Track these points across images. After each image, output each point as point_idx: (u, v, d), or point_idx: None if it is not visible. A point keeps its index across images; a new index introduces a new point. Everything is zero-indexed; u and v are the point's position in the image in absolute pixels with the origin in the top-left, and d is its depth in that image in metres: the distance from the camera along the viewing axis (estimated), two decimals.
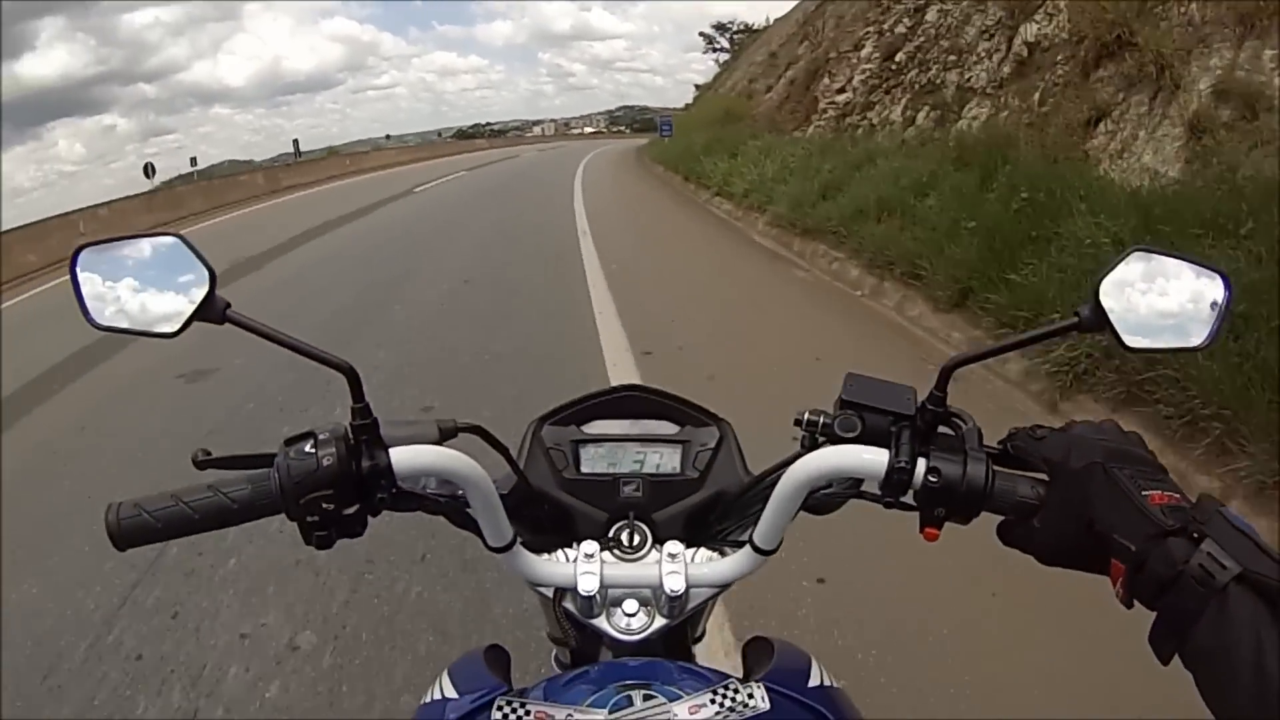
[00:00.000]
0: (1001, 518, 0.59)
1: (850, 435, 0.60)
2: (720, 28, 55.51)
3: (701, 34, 56.14)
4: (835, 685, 0.66)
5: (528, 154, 37.32)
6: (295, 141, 33.93)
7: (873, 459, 0.58)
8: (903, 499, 0.59)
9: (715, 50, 54.61)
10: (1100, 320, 0.55)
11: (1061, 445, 0.57)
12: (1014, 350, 0.61)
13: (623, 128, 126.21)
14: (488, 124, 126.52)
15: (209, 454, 0.59)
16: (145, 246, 0.64)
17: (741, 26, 53.02)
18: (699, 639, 0.76)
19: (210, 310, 0.59)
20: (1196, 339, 0.58)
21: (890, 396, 0.61)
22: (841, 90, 10.91)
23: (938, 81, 8.35)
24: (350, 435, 0.59)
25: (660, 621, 0.67)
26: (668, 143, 21.43)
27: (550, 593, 0.68)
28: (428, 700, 0.65)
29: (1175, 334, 0.59)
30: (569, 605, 0.68)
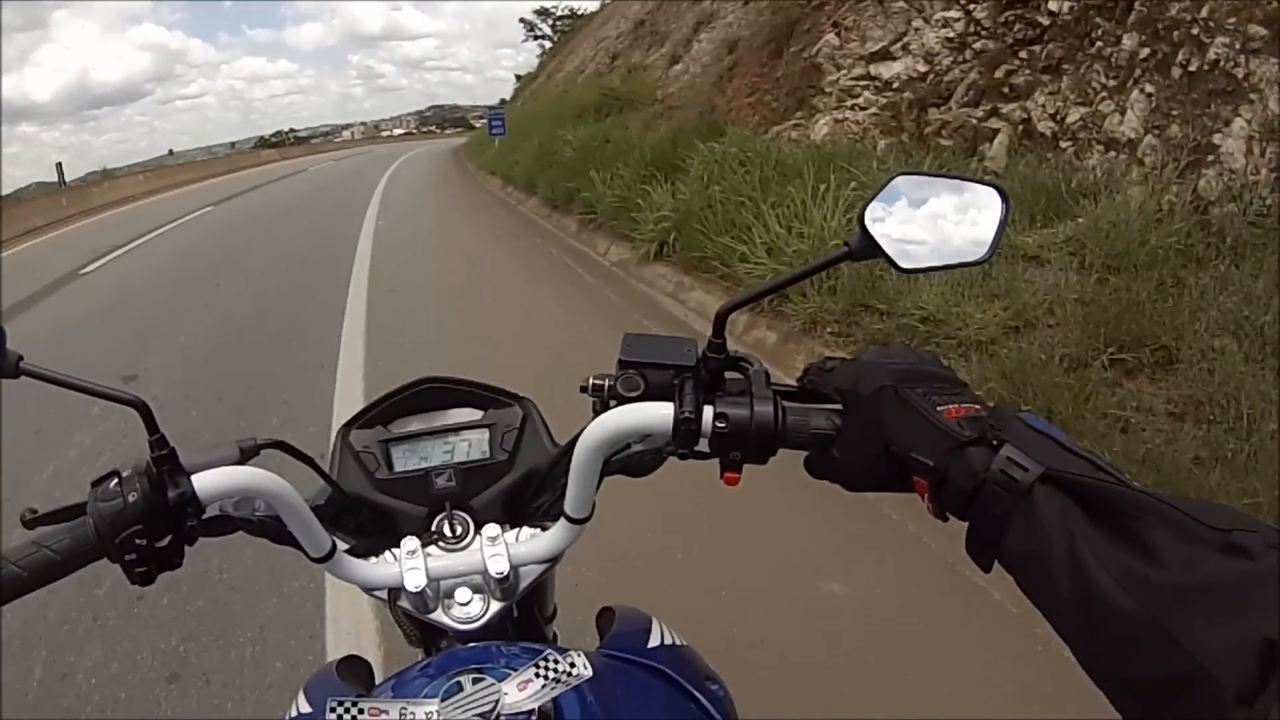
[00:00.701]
0: (804, 453, 0.60)
1: (634, 394, 0.61)
2: (542, 13, 50.64)
3: (522, 20, 51.35)
4: (678, 643, 0.72)
5: (318, 167, 30.23)
6: (58, 166, 26.10)
7: (659, 413, 0.58)
8: (697, 449, 0.59)
9: (537, 38, 49.98)
10: (871, 248, 0.56)
11: (852, 374, 0.58)
12: (785, 288, 0.62)
13: (433, 127, 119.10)
14: (291, 130, 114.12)
15: (35, 512, 0.59)
16: None
17: (567, 11, 48.58)
18: (552, 617, 0.76)
19: (3, 365, 0.58)
20: (975, 253, 0.59)
21: (670, 350, 0.62)
22: (886, 55, 5.90)
23: None
24: (152, 467, 0.58)
25: (496, 605, 0.67)
26: (499, 145, 16.19)
27: (385, 595, 0.68)
28: (289, 718, 0.68)
29: (953, 253, 0.59)
30: (404, 604, 0.67)
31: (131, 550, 0.57)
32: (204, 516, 0.60)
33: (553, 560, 0.69)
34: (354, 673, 0.70)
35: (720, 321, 0.59)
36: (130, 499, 0.57)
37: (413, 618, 0.69)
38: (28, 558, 0.58)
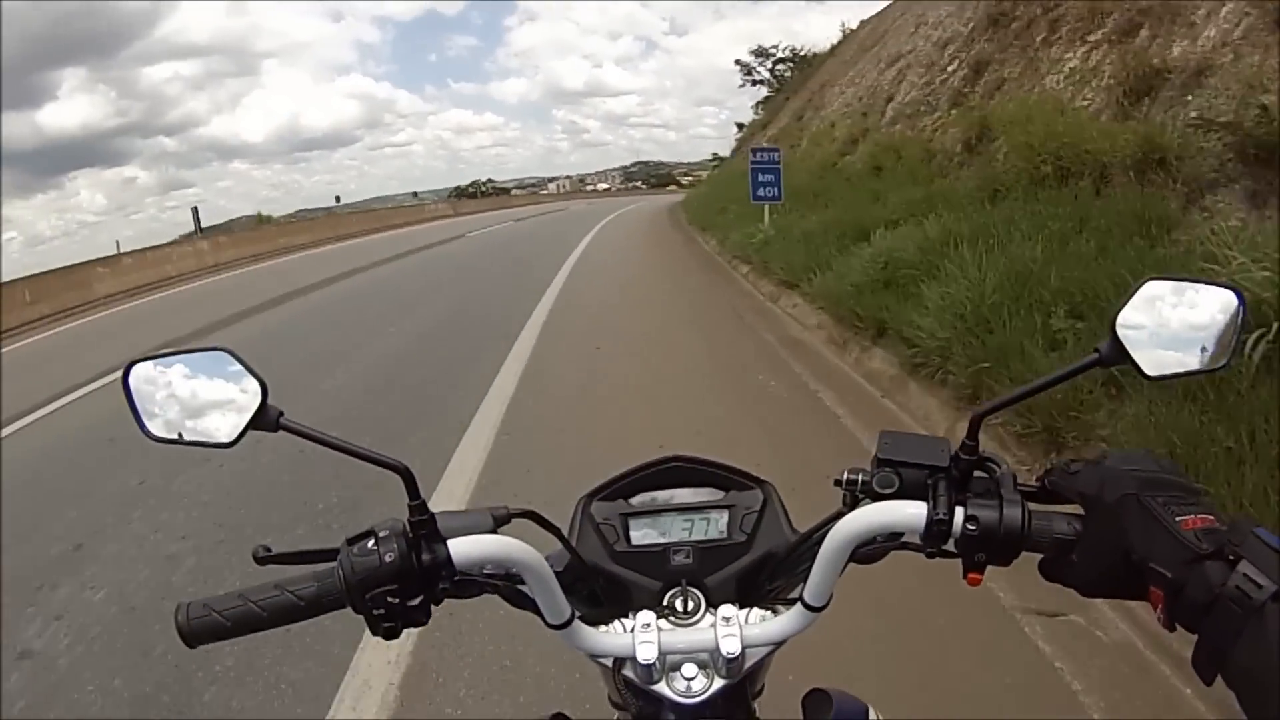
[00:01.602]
0: (1041, 555, 0.59)
1: (889, 491, 0.61)
2: (761, 54, 44.47)
3: (738, 62, 43.65)
4: None
5: (491, 230, 22.98)
6: (194, 210, 23.37)
7: (912, 513, 0.59)
8: (944, 547, 0.60)
9: (755, 82, 43.99)
10: (1120, 354, 0.58)
11: (1095, 478, 0.57)
12: (1040, 392, 0.62)
13: (638, 183, 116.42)
14: (489, 181, 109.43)
15: (269, 550, 0.61)
16: (195, 359, 0.66)
17: (789, 52, 42.39)
18: (758, 694, 0.74)
19: (264, 419, 0.62)
20: (1216, 359, 0.60)
21: (924, 450, 0.62)
22: None
23: None
24: (409, 530, 0.61)
25: (719, 683, 0.67)
26: (772, 220, 9.40)
27: (610, 662, 0.69)
28: None
29: (1195, 357, 0.60)
30: (629, 673, 0.68)
31: (380, 606, 0.59)
32: (455, 579, 0.62)
33: (779, 644, 0.69)
34: None
35: (975, 425, 0.60)
36: (386, 558, 0.59)
37: (634, 687, 0.69)
38: (270, 599, 0.60)
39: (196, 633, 0.60)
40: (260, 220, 27.34)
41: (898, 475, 0.62)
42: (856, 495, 0.63)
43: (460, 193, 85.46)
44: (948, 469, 0.61)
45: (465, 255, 15.00)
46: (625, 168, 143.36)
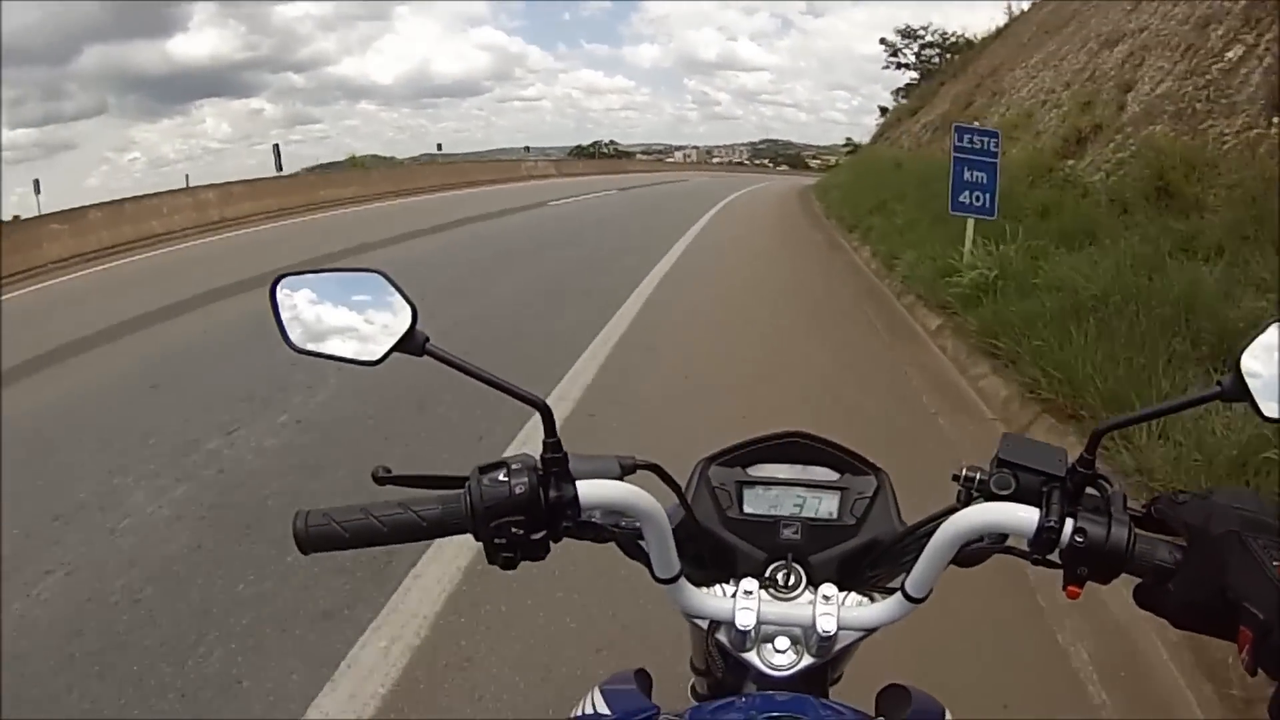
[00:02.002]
0: (1139, 580, 0.60)
1: (1005, 493, 0.63)
2: (908, 34, 39.37)
3: (883, 41, 38.40)
4: None
5: (590, 199, 19.34)
6: (275, 148, 21.14)
7: (1025, 517, 0.60)
8: (1049, 556, 0.61)
9: (900, 66, 39.16)
10: (1241, 390, 0.58)
11: (1201, 512, 0.58)
12: (1160, 417, 0.68)
13: (765, 161, 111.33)
14: (611, 143, 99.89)
15: (389, 471, 0.63)
16: (346, 278, 0.68)
17: (938, 37, 37.36)
18: (836, 680, 0.76)
19: (410, 343, 0.64)
20: None
21: (1042, 457, 0.63)
22: None
23: None
24: (540, 467, 0.62)
25: (808, 660, 0.69)
26: (980, 243, 5.67)
27: (705, 624, 0.72)
28: (579, 714, 0.76)
29: None
30: (721, 637, 0.71)
31: (503, 535, 0.61)
32: (578, 520, 0.64)
33: (873, 630, 0.70)
34: (641, 684, 0.78)
35: (1095, 440, 0.61)
36: (517, 490, 0.61)
37: (724, 652, 0.71)
38: (392, 516, 0.63)
39: (313, 540, 0.62)
40: (355, 162, 25.48)
41: (1015, 478, 0.63)
42: (971, 493, 0.65)
43: (580, 152, 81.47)
44: (1063, 479, 0.62)
45: (511, 239, 11.22)
46: (753, 144, 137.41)
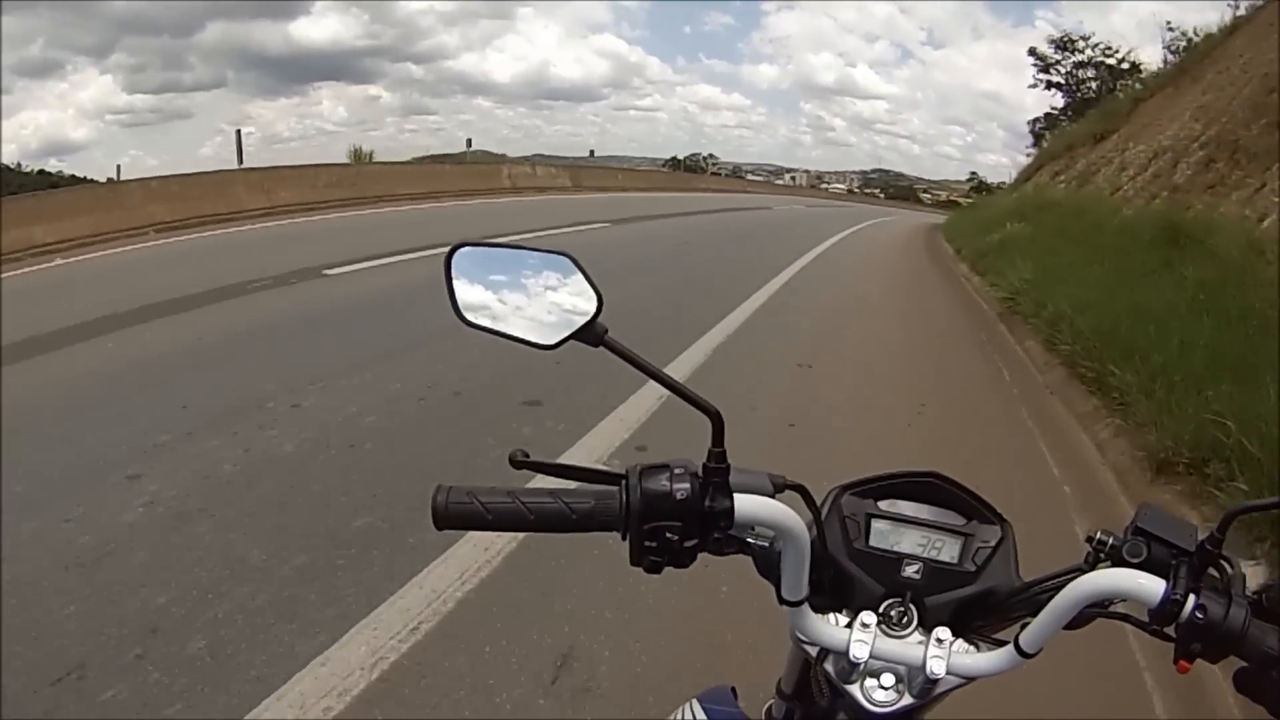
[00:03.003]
0: (1243, 664, 0.61)
1: (1136, 561, 0.63)
2: (1064, 45, 33.52)
3: (1032, 51, 34.81)
4: None
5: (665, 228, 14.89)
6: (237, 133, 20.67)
7: (1152, 587, 0.61)
8: (1165, 629, 0.62)
9: (1049, 85, 33.78)
10: None
11: None
12: None
13: (876, 191, 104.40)
14: (710, 157, 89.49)
15: (527, 455, 0.62)
16: (533, 257, 0.68)
17: (1099, 54, 31.68)
18: None
19: (589, 333, 0.64)
20: None
21: (1176, 530, 0.64)
22: None
23: None
24: (700, 474, 0.63)
25: (908, 700, 0.69)
26: None
27: (814, 651, 0.72)
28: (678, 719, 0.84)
29: None
30: (828, 666, 0.71)
31: (655, 539, 0.62)
32: (729, 532, 0.64)
33: (974, 679, 0.70)
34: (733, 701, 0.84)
35: (1227, 521, 0.63)
36: (678, 494, 0.61)
37: (827, 680, 0.72)
38: (542, 505, 0.63)
39: (451, 516, 0.62)
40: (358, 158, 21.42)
41: (1147, 547, 0.64)
42: (1100, 556, 0.66)
43: (677, 165, 76.08)
44: (1192, 555, 0.63)
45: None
46: (865, 172, 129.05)
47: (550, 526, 0.63)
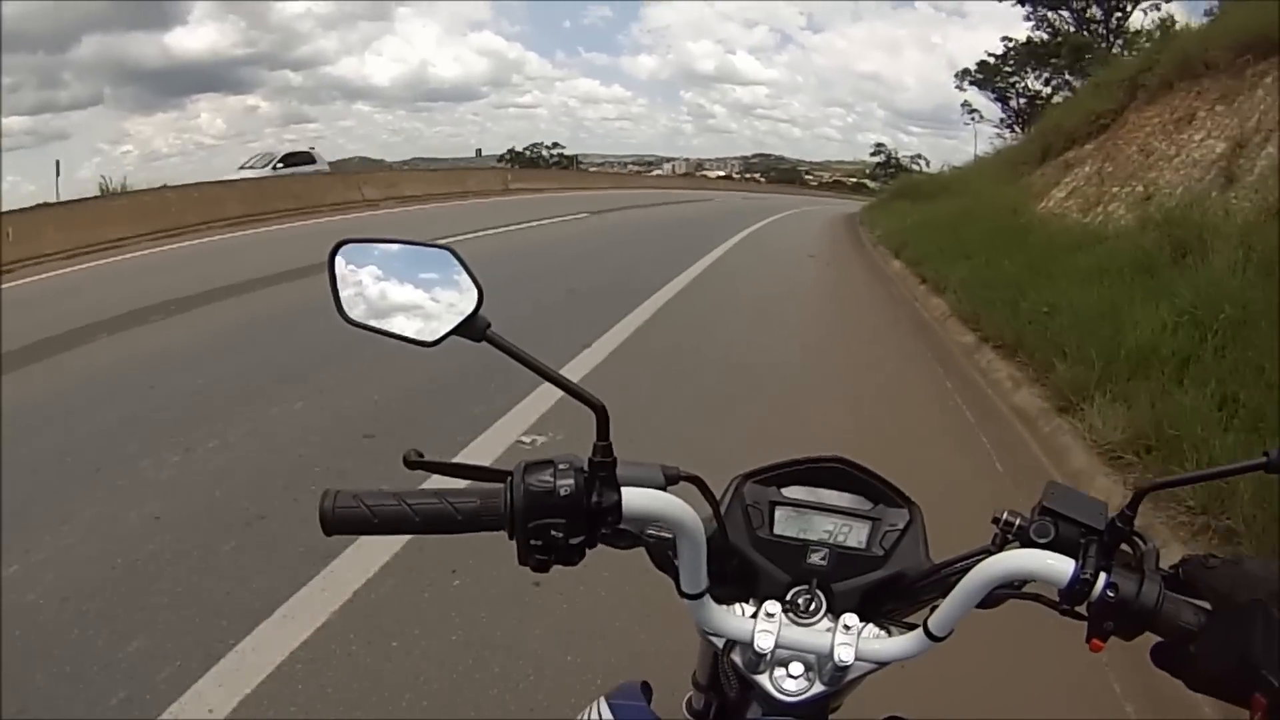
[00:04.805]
0: (1159, 639, 0.62)
1: (1044, 541, 0.63)
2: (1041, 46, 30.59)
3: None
4: None
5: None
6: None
7: (1061, 567, 0.61)
8: (1076, 608, 0.62)
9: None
10: None
11: (1229, 578, 0.59)
12: (1203, 481, 0.67)
13: (757, 176, 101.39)
14: (553, 147, 75.06)
15: (421, 455, 0.60)
16: (412, 253, 0.67)
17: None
18: (835, 710, 0.75)
19: (471, 328, 0.62)
20: None
21: (1084, 508, 0.64)
22: None
23: None
24: (587, 469, 0.61)
25: (819, 688, 0.69)
26: None
27: (720, 642, 0.71)
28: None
29: None
30: (736, 657, 0.71)
31: (541, 537, 0.60)
32: (618, 527, 0.63)
33: (885, 664, 0.70)
34: (646, 698, 0.81)
35: (1138, 498, 0.62)
36: (562, 490, 0.59)
37: (735, 671, 0.71)
38: (426, 506, 0.61)
39: (339, 521, 0.61)
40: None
41: (1055, 527, 0.63)
42: (1008, 537, 0.65)
43: (516, 158, 68.08)
44: (1102, 533, 0.62)
45: None
46: (746, 158, 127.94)
47: (436, 528, 0.61)
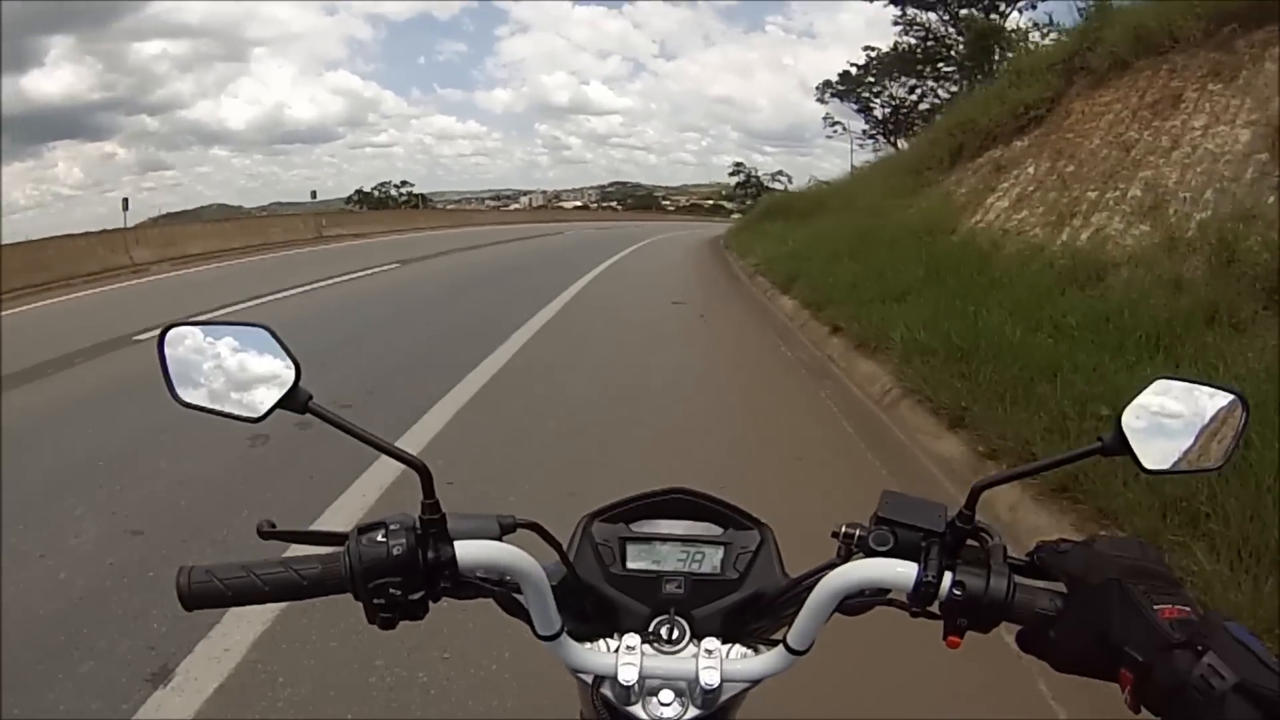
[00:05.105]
0: (1021, 627, 0.62)
1: (883, 549, 0.64)
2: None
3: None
4: None
5: None
6: None
7: (903, 572, 0.62)
8: (929, 609, 0.63)
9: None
10: (1121, 445, 0.61)
11: (1081, 560, 0.60)
12: (1040, 473, 0.67)
13: (614, 204, 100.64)
14: (402, 186, 72.86)
15: (273, 526, 0.64)
16: (233, 332, 0.68)
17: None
18: None
19: (294, 400, 0.64)
20: (1212, 461, 0.65)
21: (922, 513, 0.65)
22: None
23: None
24: (419, 527, 0.63)
25: (693, 712, 0.69)
26: None
27: (590, 679, 0.70)
28: None
29: (1193, 456, 0.64)
30: (607, 692, 0.69)
31: (382, 596, 0.61)
32: (457, 579, 0.64)
33: (756, 682, 0.70)
34: None
35: (974, 496, 0.63)
36: (394, 551, 0.61)
37: (610, 707, 0.70)
38: (273, 575, 0.61)
39: (196, 597, 0.61)
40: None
41: (894, 534, 0.64)
42: (852, 549, 0.66)
43: (365, 199, 63.49)
44: (942, 534, 0.63)
45: None
46: (602, 187, 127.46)
47: (285, 595, 0.62)
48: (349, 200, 66.57)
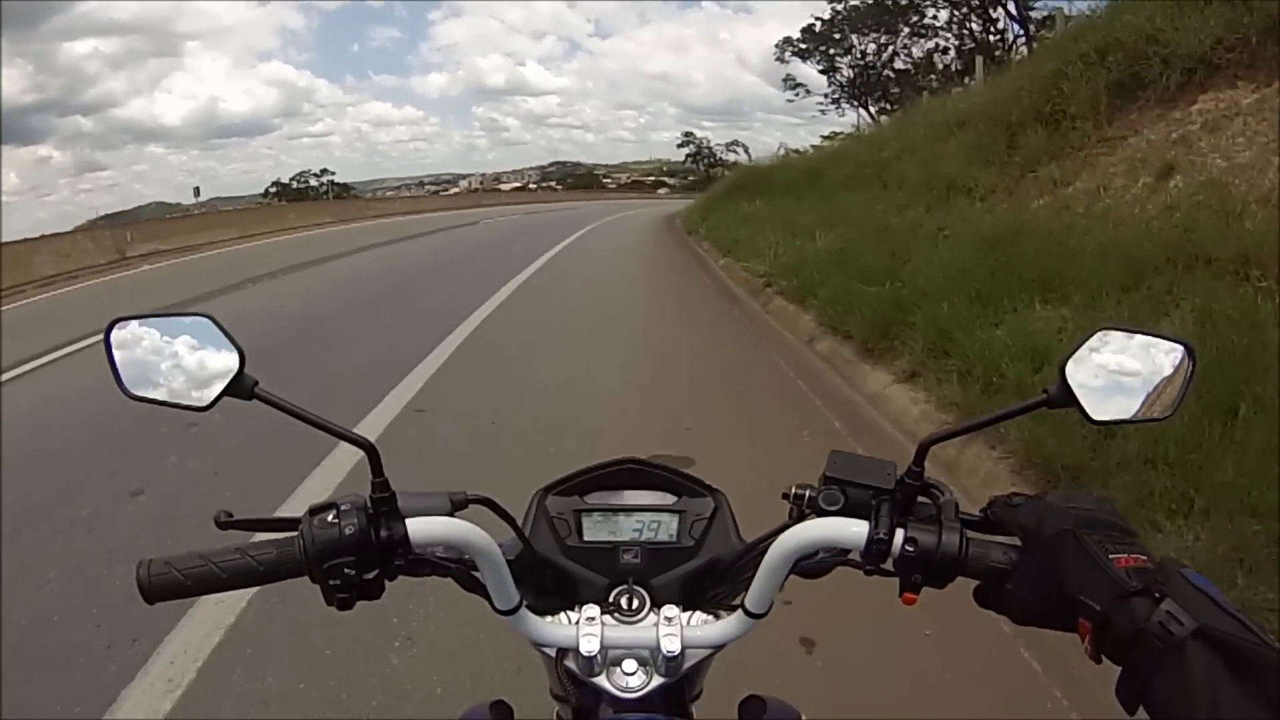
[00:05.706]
0: (977, 581, 0.61)
1: (833, 509, 0.63)
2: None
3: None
4: None
5: None
6: None
7: (854, 530, 0.61)
8: (883, 566, 0.62)
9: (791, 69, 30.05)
10: (1067, 397, 0.59)
11: (1035, 513, 0.59)
12: (986, 427, 0.67)
13: (554, 184, 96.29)
14: (324, 173, 66.86)
15: (230, 515, 0.62)
16: (177, 323, 0.67)
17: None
18: (697, 697, 0.76)
19: (239, 387, 0.62)
20: (1161, 410, 0.62)
21: (871, 471, 0.64)
22: None
23: None
24: (370, 506, 0.62)
25: (658, 680, 0.69)
26: None
27: (553, 652, 0.70)
28: None
29: (1140, 406, 0.62)
30: (570, 664, 0.69)
31: (337, 577, 0.60)
32: (410, 557, 0.63)
33: (720, 647, 0.70)
34: (501, 717, 0.76)
35: (921, 452, 0.62)
36: (347, 531, 0.60)
37: (575, 679, 0.70)
38: (230, 562, 0.61)
39: (157, 589, 0.60)
40: None
41: (844, 494, 0.63)
42: (803, 510, 0.65)
43: (284, 192, 57.51)
44: (892, 491, 0.62)
45: None
46: (542, 167, 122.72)
47: (243, 582, 0.61)
48: (266, 193, 62.37)
